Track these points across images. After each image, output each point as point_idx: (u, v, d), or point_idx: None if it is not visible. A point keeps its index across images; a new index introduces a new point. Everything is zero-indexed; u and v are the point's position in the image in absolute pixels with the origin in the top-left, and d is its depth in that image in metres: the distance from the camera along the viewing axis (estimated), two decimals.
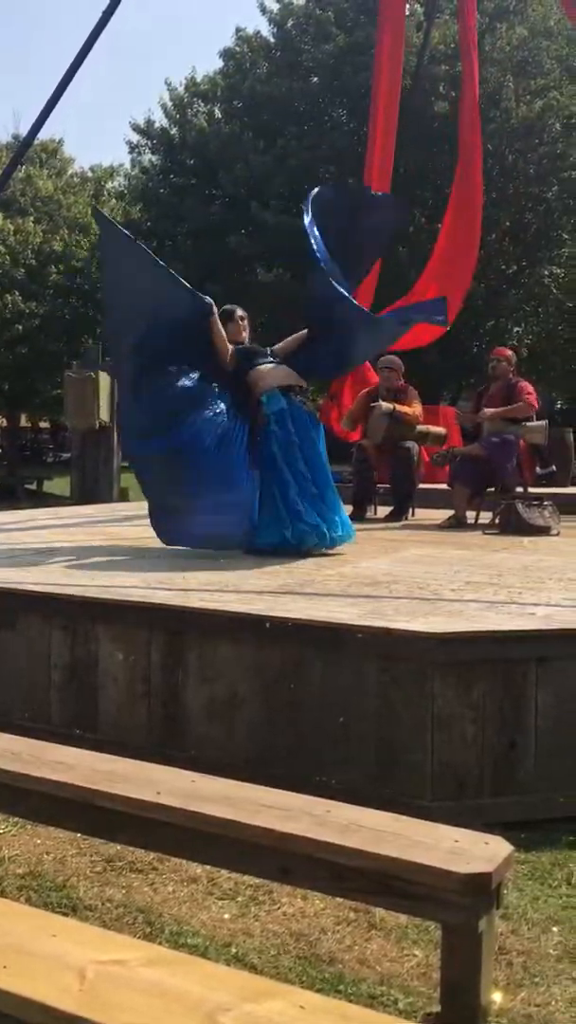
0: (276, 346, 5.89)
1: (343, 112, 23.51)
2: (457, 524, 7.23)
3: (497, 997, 2.22)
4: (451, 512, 7.34)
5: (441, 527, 7.19)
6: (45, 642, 4.18)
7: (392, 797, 3.12)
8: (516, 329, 24.49)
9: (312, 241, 5.66)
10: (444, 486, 7.84)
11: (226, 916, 2.76)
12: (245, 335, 5.89)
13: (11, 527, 7.38)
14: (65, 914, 2.68)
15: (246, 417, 5.52)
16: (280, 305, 18.69)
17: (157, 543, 5.64)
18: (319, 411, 9.18)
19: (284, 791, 2.08)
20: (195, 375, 5.58)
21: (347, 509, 6.04)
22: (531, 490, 7.52)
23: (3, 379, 27.83)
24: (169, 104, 25.47)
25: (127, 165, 29.97)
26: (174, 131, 25.15)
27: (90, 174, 32.86)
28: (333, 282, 5.62)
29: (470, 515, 7.38)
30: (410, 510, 7.95)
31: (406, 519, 7.83)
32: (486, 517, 7.27)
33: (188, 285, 5.77)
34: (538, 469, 7.83)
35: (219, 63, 25.15)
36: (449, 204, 11.24)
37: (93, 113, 70.08)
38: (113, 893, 2.88)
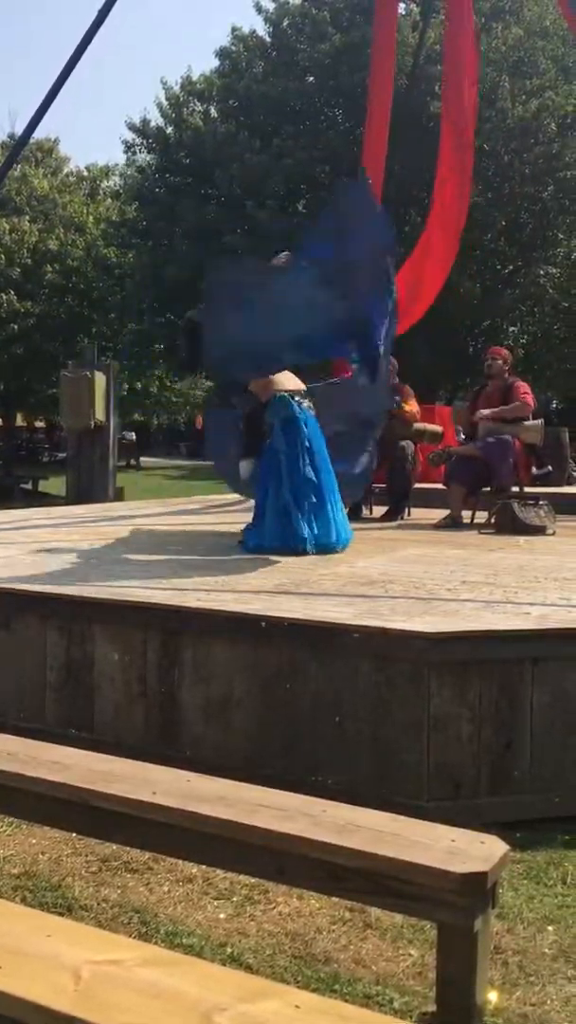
0: None
1: (339, 111, 23.52)
2: (453, 524, 7.23)
3: (493, 996, 2.23)
4: (447, 512, 7.35)
5: (437, 527, 7.20)
6: (41, 642, 4.18)
7: (388, 797, 3.12)
8: (512, 329, 24.54)
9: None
10: (440, 486, 7.84)
11: (222, 916, 2.76)
12: None
13: (6, 527, 7.37)
14: (60, 914, 2.68)
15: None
16: None
17: (153, 542, 5.64)
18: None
19: (280, 791, 2.07)
20: None
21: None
22: (527, 490, 7.53)
23: None
24: (165, 103, 25.47)
25: (122, 164, 30.01)
26: (170, 130, 25.14)
27: (86, 173, 32.86)
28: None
29: (466, 515, 7.39)
30: (406, 510, 7.96)
31: (402, 519, 7.83)
32: (482, 517, 7.28)
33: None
34: (534, 469, 7.84)
35: (215, 62, 25.20)
36: (437, 174, 10.42)
37: (89, 112, 70.11)
38: (108, 893, 2.88)
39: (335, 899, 2.66)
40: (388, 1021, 1.83)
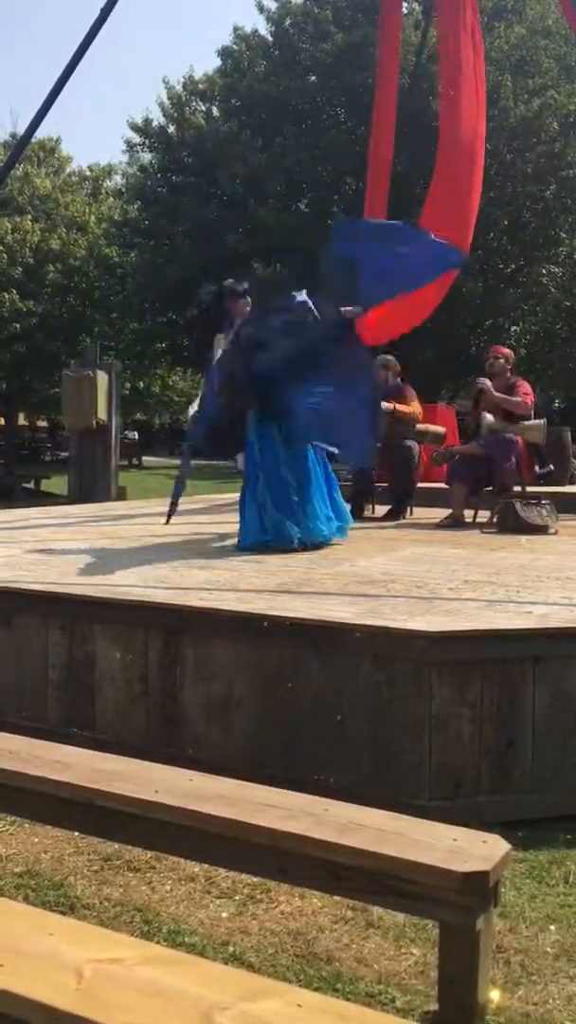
0: None
1: (341, 111, 23.53)
2: (455, 523, 7.23)
3: (495, 995, 2.23)
4: (449, 511, 7.34)
5: (439, 526, 7.19)
6: (42, 642, 4.18)
7: (389, 796, 3.12)
8: (514, 328, 24.52)
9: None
10: (442, 485, 7.84)
11: (224, 915, 2.76)
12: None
13: (8, 526, 7.37)
14: (63, 913, 2.68)
15: None
16: None
17: (154, 541, 5.64)
18: None
19: (282, 790, 2.08)
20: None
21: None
22: (529, 489, 7.52)
23: (1, 378, 27.85)
24: (167, 103, 25.47)
25: (125, 164, 30.01)
26: (172, 130, 25.15)
27: (88, 172, 32.85)
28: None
29: (468, 514, 7.38)
30: (408, 509, 7.96)
31: (404, 518, 7.83)
32: (484, 516, 7.28)
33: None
34: (536, 468, 7.84)
35: (217, 62, 25.19)
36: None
37: (91, 111, 70.12)
38: (110, 892, 2.88)
39: (337, 898, 2.66)
40: (390, 1020, 1.83)
